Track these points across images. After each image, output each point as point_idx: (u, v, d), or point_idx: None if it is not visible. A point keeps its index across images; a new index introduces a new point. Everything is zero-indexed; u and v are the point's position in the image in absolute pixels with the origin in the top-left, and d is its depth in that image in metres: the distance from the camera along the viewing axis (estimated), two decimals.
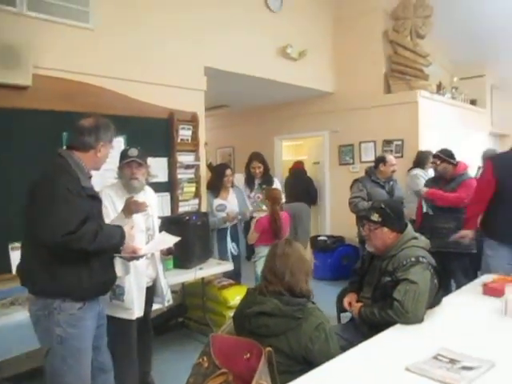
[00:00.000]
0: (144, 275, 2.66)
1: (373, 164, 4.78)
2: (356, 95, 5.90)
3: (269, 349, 1.52)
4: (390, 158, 4.60)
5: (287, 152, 7.56)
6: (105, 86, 3.55)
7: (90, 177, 2.10)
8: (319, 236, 6.16)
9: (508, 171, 3.27)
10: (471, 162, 4.71)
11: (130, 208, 2.38)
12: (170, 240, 2.62)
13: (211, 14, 4.47)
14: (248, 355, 1.47)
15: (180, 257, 3.33)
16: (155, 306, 2.94)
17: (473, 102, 7.10)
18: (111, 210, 2.52)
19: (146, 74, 3.85)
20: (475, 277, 3.19)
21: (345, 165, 6.22)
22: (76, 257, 1.91)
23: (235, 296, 3.68)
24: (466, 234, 3.50)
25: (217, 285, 3.98)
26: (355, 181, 4.68)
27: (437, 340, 1.85)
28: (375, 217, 2.39)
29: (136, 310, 2.60)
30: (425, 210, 4.06)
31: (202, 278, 3.83)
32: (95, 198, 2.11)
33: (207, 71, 4.41)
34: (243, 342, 1.57)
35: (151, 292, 2.79)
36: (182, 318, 4.19)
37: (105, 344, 2.22)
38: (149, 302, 2.77)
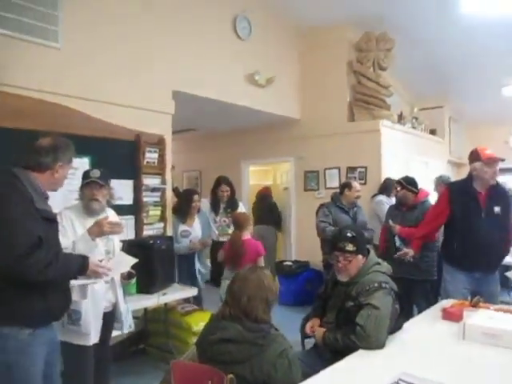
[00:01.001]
0: (102, 300, 2.57)
1: (338, 190, 4.88)
2: (321, 122, 6.04)
3: (230, 376, 1.49)
4: (355, 184, 4.70)
5: (254, 177, 7.62)
6: (71, 106, 3.50)
7: (47, 198, 1.99)
8: (284, 261, 6.18)
9: (460, 201, 3.40)
10: (431, 190, 4.87)
11: (102, 229, 2.31)
12: (128, 261, 2.55)
13: (182, 39, 4.53)
14: (209, 383, 1.44)
15: (143, 281, 3.25)
16: (115, 333, 2.84)
17: (432, 132, 7.39)
18: (70, 231, 2.45)
19: (113, 95, 3.83)
20: (436, 302, 3.25)
21: (310, 191, 6.31)
22: (27, 280, 1.80)
23: (199, 322, 3.61)
24: (407, 253, 3.57)
25: (180, 310, 3.90)
26: (321, 206, 4.76)
27: (398, 365, 1.87)
28: (350, 247, 2.42)
29: (93, 336, 2.50)
30: (398, 244, 4.09)
31: (165, 304, 3.74)
32: (52, 221, 1.99)
33: (175, 95, 4.43)
34: (205, 370, 1.54)
35: (110, 317, 2.69)
36: (143, 345, 4.07)
37: (57, 372, 2.09)
38: (108, 327, 2.67)
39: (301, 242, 6.40)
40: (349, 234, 2.47)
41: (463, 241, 3.32)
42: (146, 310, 3.92)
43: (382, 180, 5.53)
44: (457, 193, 3.46)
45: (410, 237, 4.01)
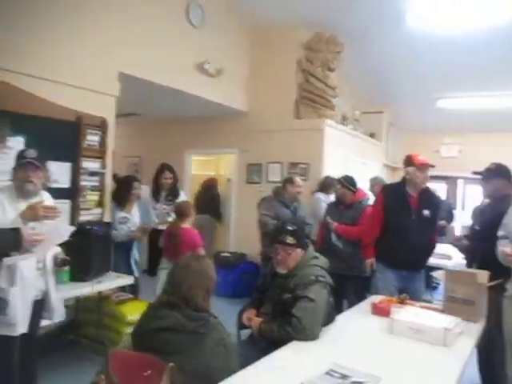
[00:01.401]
0: (32, 287, 2.42)
1: (280, 184, 4.96)
2: (268, 117, 6.10)
3: (171, 364, 1.48)
4: (297, 179, 4.81)
5: (196, 166, 7.56)
6: (7, 81, 3.27)
7: None
8: (222, 252, 6.20)
9: (393, 203, 3.60)
10: (367, 189, 5.09)
11: (36, 213, 2.19)
12: (65, 230, 2.42)
13: (130, 19, 4.36)
14: (149, 372, 1.42)
15: (77, 268, 3.10)
16: (44, 323, 2.67)
17: (371, 135, 7.69)
18: (0, 214, 2.30)
19: (54, 71, 3.62)
20: (365, 297, 3.41)
21: (252, 183, 6.36)
22: None
23: (134, 312, 3.52)
24: (368, 263, 3.75)
25: (114, 299, 3.79)
26: (263, 199, 4.82)
27: (330, 356, 1.95)
28: (290, 240, 2.47)
29: (20, 326, 2.34)
30: (333, 240, 4.25)
31: (99, 292, 3.62)
32: None
33: (121, 77, 4.28)
34: (145, 359, 1.51)
35: (40, 306, 2.53)
36: (73, 336, 3.90)
37: None
38: (36, 317, 2.51)
39: (240, 234, 6.44)
40: (290, 228, 2.53)
41: (393, 240, 3.52)
42: (78, 298, 3.77)
43: (323, 177, 5.67)
44: (390, 195, 3.67)
45: (345, 234, 4.19)
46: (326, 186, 5.38)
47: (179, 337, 1.74)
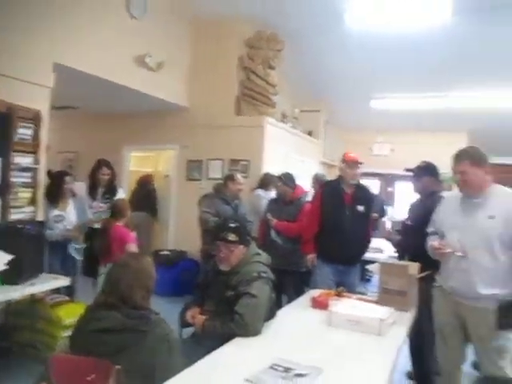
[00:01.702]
0: None
1: (221, 181, 4.97)
2: (209, 113, 6.07)
3: (118, 367, 1.45)
4: (239, 176, 4.84)
5: (135, 163, 7.37)
6: None
7: None
8: (161, 250, 6.10)
9: (329, 199, 3.74)
10: (306, 187, 5.22)
11: None
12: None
13: (69, 9, 4.17)
14: (92, 376, 1.39)
15: (8, 271, 2.90)
16: None
17: (309, 133, 7.89)
18: None
19: None
20: (303, 292, 3.49)
21: (192, 180, 6.32)
22: None
23: (70, 314, 3.34)
24: (309, 259, 3.85)
25: (49, 302, 3.61)
26: (204, 196, 4.81)
27: (272, 350, 2.00)
28: (232, 237, 2.49)
29: None
30: (273, 237, 4.32)
31: (32, 295, 3.43)
32: None
33: (57, 68, 4.07)
34: (86, 362, 1.47)
35: None
36: (4, 342, 3.64)
37: None
38: None
39: (179, 232, 6.37)
40: (232, 225, 2.55)
41: (329, 236, 3.66)
42: (8, 302, 3.54)
43: (263, 174, 5.74)
44: (327, 191, 3.82)
45: (285, 230, 4.28)
46: (265, 182, 5.45)
47: (120, 337, 1.71)
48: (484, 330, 2.42)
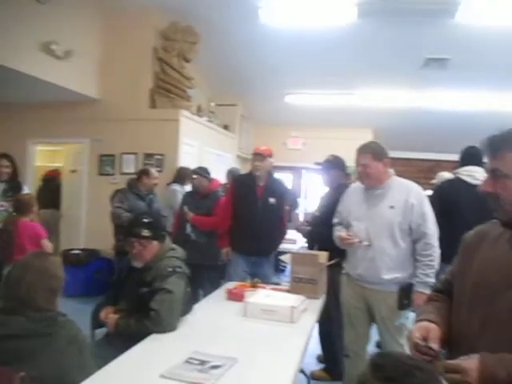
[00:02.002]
0: None
1: (134, 176, 4.84)
2: (122, 106, 5.86)
3: (22, 374, 1.37)
4: (153, 171, 4.76)
5: (44, 158, 6.91)
6: None
7: None
8: (72, 249, 5.80)
9: (241, 192, 3.81)
10: (222, 181, 5.26)
11: None
12: None
13: None
14: None
15: None
16: None
17: (225, 127, 7.93)
18: None
19: None
20: (220, 286, 3.51)
21: (105, 175, 6.07)
22: None
23: None
24: (224, 253, 3.89)
25: None
26: (117, 191, 4.66)
27: (189, 345, 2.00)
28: (146, 232, 2.43)
29: None
30: (188, 231, 4.28)
31: None
32: None
33: None
34: None
35: None
36: None
37: None
38: None
39: (91, 229, 6.09)
40: (145, 220, 2.50)
41: (242, 228, 3.74)
42: None
43: (177, 168, 5.67)
44: (239, 185, 3.89)
45: (201, 224, 4.28)
46: (181, 177, 5.40)
47: (24, 342, 1.60)
48: (387, 312, 2.64)
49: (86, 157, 6.22)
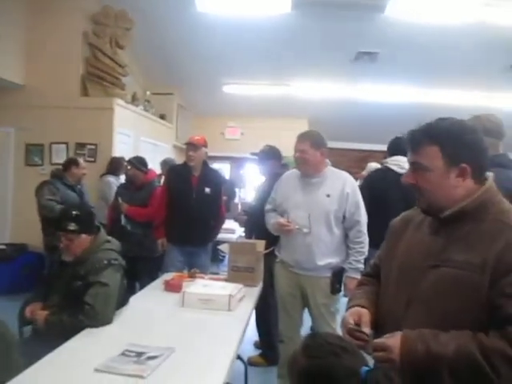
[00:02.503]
0: None
1: (60, 166, 4.63)
2: (50, 93, 5.56)
3: None
4: (81, 161, 4.61)
5: None
6: None
7: None
8: None
9: (176, 182, 3.78)
10: (158, 171, 5.18)
11: None
12: None
13: None
14: None
15: None
16: None
17: (162, 117, 7.78)
18: None
19: None
20: (157, 277, 3.45)
21: (33, 166, 5.75)
22: None
23: None
24: (159, 243, 3.84)
25: None
26: (45, 183, 4.42)
27: (126, 337, 1.96)
28: (72, 226, 2.34)
29: None
30: (123, 223, 4.16)
31: None
32: None
33: None
34: None
35: None
36: None
37: None
38: None
39: (18, 223, 5.76)
40: (73, 213, 2.40)
41: (177, 218, 3.71)
42: None
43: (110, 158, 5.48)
44: (174, 175, 3.85)
45: (136, 216, 4.17)
46: (114, 167, 5.24)
47: None
48: (321, 297, 2.74)
49: (11, 146, 5.84)
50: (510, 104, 6.91)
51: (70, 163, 4.53)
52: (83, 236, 2.37)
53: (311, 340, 1.08)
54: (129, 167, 4.32)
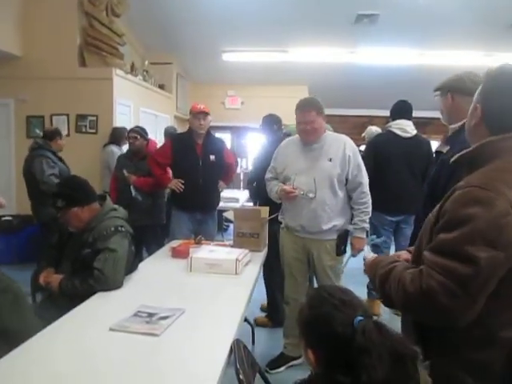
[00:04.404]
0: None
1: (41, 138, 4.50)
2: (49, 63, 5.50)
3: None
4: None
5: None
6: None
7: None
8: (3, 216, 5.52)
9: (181, 151, 3.78)
10: (160, 142, 5.17)
11: None
12: None
13: None
14: None
15: None
16: None
17: (161, 87, 7.69)
18: None
19: None
20: (163, 245, 3.52)
21: (35, 137, 5.72)
22: None
23: None
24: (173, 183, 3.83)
25: None
26: (41, 156, 4.29)
27: (137, 300, 2.03)
28: (60, 203, 2.36)
29: None
30: (133, 194, 4.16)
31: None
32: None
33: None
34: None
35: None
36: None
37: None
38: None
39: (23, 195, 5.77)
40: (57, 190, 2.45)
41: (186, 186, 3.73)
42: None
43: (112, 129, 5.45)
44: (178, 144, 3.84)
45: (144, 186, 4.20)
46: (117, 137, 5.21)
47: None
48: (326, 259, 2.81)
49: (11, 119, 5.83)
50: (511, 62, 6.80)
51: (55, 134, 4.41)
52: (74, 209, 2.37)
53: (315, 292, 1.18)
54: (137, 137, 4.28)
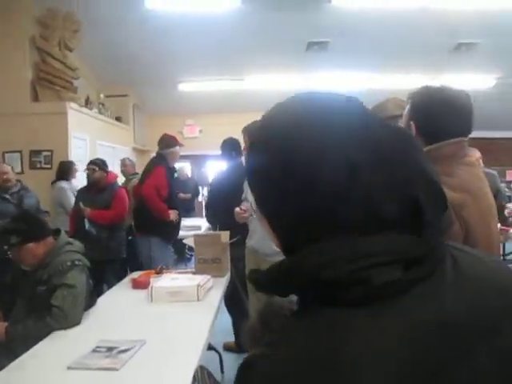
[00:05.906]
0: None
1: None
2: (0, 100, 5.38)
3: None
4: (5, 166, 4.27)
5: None
6: None
7: None
8: None
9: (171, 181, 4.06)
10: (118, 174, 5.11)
11: None
12: None
13: None
14: None
15: None
16: None
17: (118, 119, 7.65)
18: None
19: None
20: (123, 278, 3.42)
21: None
22: None
23: None
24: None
25: None
26: None
27: (95, 335, 1.96)
28: (14, 239, 2.27)
29: None
30: (87, 227, 4.05)
31: None
32: None
33: None
34: None
35: None
36: None
37: None
38: None
39: None
40: (10, 226, 2.36)
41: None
42: None
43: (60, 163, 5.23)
44: (171, 177, 4.02)
45: (100, 219, 4.10)
46: (64, 172, 5.02)
47: None
48: None
49: None
50: (457, 84, 7.19)
51: None
52: (31, 245, 2.28)
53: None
54: (95, 168, 4.21)
